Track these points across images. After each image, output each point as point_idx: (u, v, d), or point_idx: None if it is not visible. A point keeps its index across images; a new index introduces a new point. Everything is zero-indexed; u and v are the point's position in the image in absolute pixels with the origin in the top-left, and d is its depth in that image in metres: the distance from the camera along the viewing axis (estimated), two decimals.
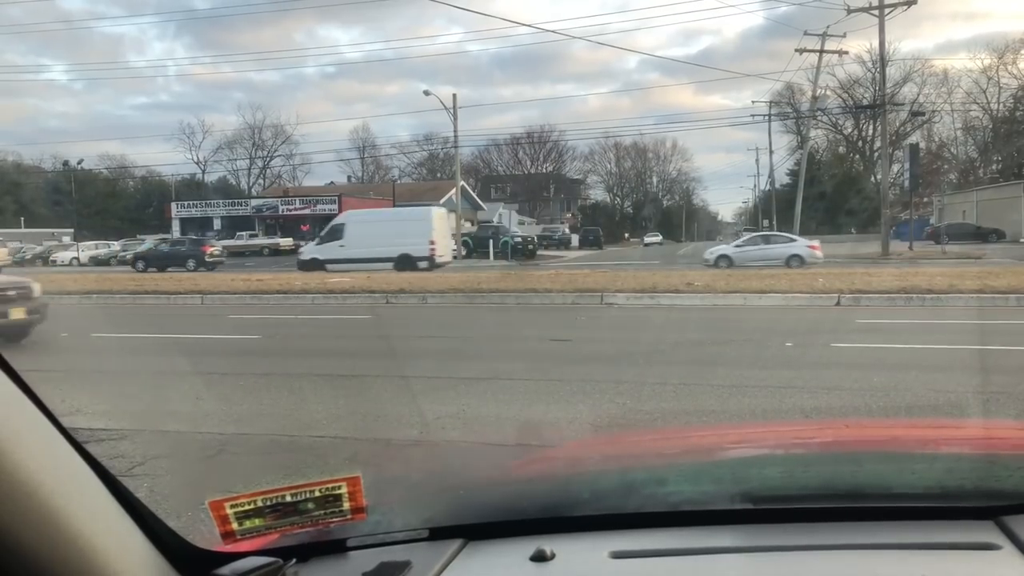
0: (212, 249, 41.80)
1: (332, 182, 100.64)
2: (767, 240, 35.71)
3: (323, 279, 26.71)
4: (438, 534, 1.50)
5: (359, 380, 10.33)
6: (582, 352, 12.33)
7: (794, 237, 36.47)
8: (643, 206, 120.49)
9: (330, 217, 70.25)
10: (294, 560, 1.38)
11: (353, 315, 18.60)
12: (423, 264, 35.31)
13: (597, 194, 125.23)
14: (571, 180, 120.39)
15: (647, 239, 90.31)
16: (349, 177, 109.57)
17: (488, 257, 50.82)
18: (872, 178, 74.87)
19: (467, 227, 64.85)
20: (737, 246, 35.56)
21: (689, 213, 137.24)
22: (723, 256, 36.31)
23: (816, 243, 34.69)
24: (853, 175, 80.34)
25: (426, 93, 51.90)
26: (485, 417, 8.23)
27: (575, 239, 77.22)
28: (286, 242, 65.41)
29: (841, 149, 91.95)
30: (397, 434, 7.71)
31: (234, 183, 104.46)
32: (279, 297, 21.68)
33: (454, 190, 60.58)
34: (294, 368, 11.33)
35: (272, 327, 16.33)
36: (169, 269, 39.46)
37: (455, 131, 54.30)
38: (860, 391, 8.78)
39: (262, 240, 66.69)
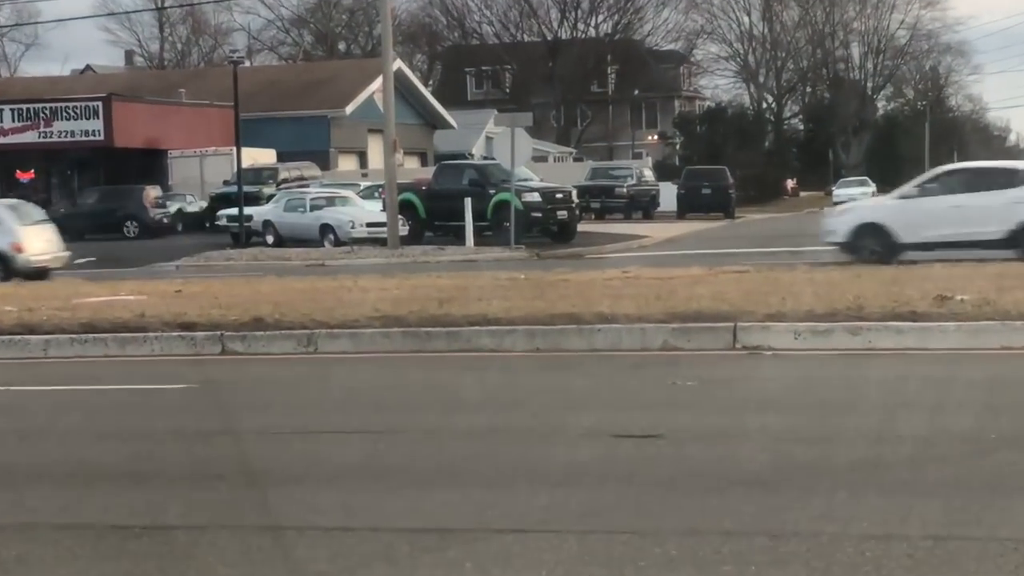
0: None
1: (89, 67, 67.47)
2: None
3: (69, 298, 18.09)
4: None
5: (166, 537, 7.00)
6: (690, 462, 8.45)
7: None
8: (831, 117, 70.53)
9: (91, 147, 42.49)
10: None
11: (150, 383, 13.13)
12: None
13: (720, 87, 76.83)
14: (657, 56, 72.97)
15: (839, 191, 56.82)
16: (131, 54, 73.68)
17: (463, 239, 34.02)
18: None
19: (407, 168, 46.71)
20: None
21: (941, 129, 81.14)
22: None
23: None
24: None
25: None
26: None
27: (667, 194, 47.44)
28: None
29: None
30: None
31: None
32: None
33: (378, 81, 40.61)
34: (7, 512, 7.99)
35: None
36: None
37: None
38: None
39: None
